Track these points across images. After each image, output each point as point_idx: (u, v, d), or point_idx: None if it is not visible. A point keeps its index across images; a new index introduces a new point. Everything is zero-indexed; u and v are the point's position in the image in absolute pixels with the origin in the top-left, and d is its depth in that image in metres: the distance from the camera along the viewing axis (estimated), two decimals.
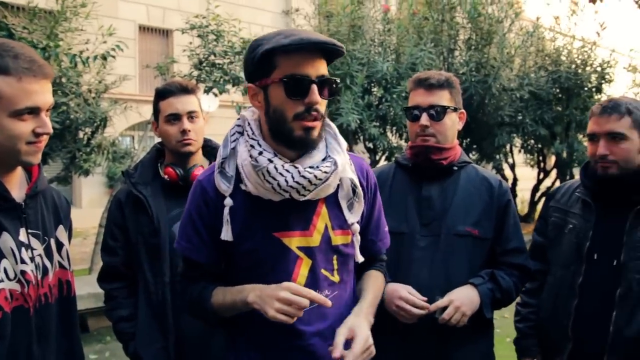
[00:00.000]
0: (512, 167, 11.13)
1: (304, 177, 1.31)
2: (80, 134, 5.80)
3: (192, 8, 10.98)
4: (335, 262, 1.43)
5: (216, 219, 1.38)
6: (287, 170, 1.31)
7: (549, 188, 11.27)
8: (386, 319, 1.80)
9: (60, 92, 5.27)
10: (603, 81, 8.77)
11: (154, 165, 2.03)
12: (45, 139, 1.36)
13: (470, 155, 8.11)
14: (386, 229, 1.61)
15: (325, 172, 1.33)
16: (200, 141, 1.99)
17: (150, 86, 12.44)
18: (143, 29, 13.12)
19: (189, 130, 1.92)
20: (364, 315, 1.40)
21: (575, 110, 8.56)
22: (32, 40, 4.78)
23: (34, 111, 1.31)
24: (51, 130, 1.36)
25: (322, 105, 1.33)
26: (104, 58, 5.41)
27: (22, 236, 1.35)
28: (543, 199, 11.64)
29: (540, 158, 11.18)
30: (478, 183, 1.93)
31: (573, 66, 8.55)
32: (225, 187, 1.37)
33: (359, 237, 1.46)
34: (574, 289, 1.90)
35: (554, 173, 10.80)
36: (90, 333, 4.84)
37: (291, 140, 1.33)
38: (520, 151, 10.61)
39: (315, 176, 1.32)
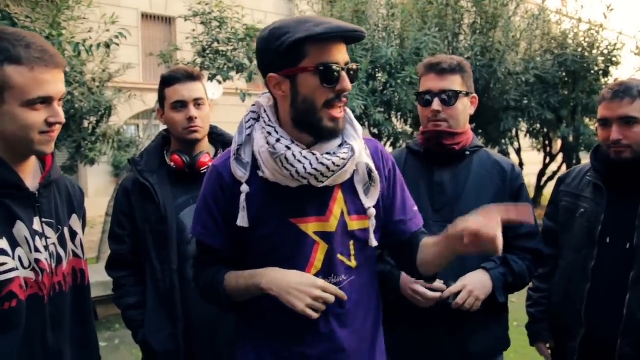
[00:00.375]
0: (518, 151, 11.08)
1: (322, 163, 1.31)
2: (85, 123, 5.82)
3: None
4: (352, 247, 1.44)
5: (232, 204, 1.39)
6: (305, 157, 1.31)
7: (555, 172, 11.23)
8: (400, 306, 1.81)
9: (65, 81, 5.27)
10: (610, 64, 8.69)
11: (160, 152, 2.02)
12: (58, 129, 1.36)
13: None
14: (415, 208, 1.58)
15: (343, 159, 1.34)
16: (207, 128, 1.98)
17: (154, 74, 12.44)
18: (146, 16, 13.07)
19: (196, 117, 1.91)
20: None
21: (581, 93, 8.50)
22: (34, 29, 4.77)
23: (47, 101, 1.31)
24: (63, 120, 1.36)
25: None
26: (108, 46, 5.39)
27: (36, 225, 1.35)
28: (550, 184, 11.64)
29: (547, 142, 11.12)
30: (490, 167, 1.91)
31: (579, 49, 8.47)
32: (241, 173, 1.37)
33: (374, 222, 1.45)
34: (586, 273, 1.89)
35: (560, 157, 10.75)
36: (99, 321, 4.88)
37: (319, 130, 1.34)
38: (526, 135, 10.56)
39: (334, 163, 1.32)
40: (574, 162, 10.24)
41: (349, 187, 1.42)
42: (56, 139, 1.43)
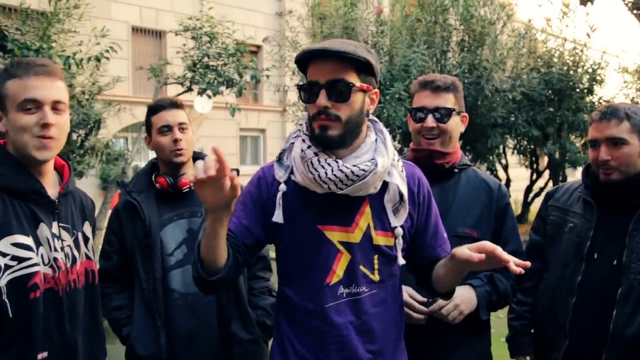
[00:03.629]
0: (506, 168, 11.18)
1: (341, 171, 1.39)
2: (74, 136, 5.79)
3: (185, 9, 10.96)
4: (376, 261, 1.48)
5: (268, 201, 1.49)
6: (329, 164, 1.40)
7: (542, 189, 11.34)
8: None
9: None
10: (594, 82, 8.84)
11: (149, 176, 2.17)
12: (52, 134, 1.49)
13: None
14: (445, 235, 1.64)
15: (363, 170, 1.40)
16: (191, 151, 2.14)
17: (143, 88, 12.42)
18: (136, 30, 13.08)
19: (180, 140, 2.07)
20: None
21: (567, 111, 8.62)
22: (24, 41, 4.77)
23: (37, 105, 1.47)
24: (49, 120, 1.48)
25: (336, 108, 1.40)
26: (98, 60, 5.39)
27: (54, 228, 1.55)
28: (536, 200, 11.74)
29: (533, 159, 11.24)
30: (477, 185, 1.95)
31: (565, 68, 8.61)
32: (281, 174, 1.49)
33: (401, 241, 1.50)
34: (572, 287, 1.92)
35: (546, 174, 10.86)
36: None
37: (313, 138, 1.44)
38: (513, 152, 10.66)
39: (352, 172, 1.39)
40: (560, 178, 10.35)
41: (378, 203, 1.48)
42: None
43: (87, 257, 1.67)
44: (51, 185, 1.59)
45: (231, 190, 1.25)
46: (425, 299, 1.79)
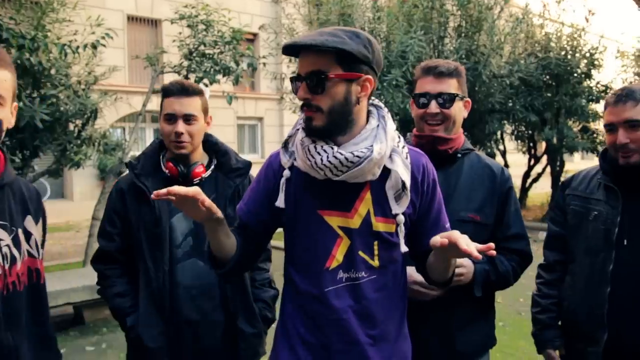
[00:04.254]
0: (504, 153, 11.19)
1: (335, 157, 1.40)
2: (71, 126, 5.76)
3: None
4: (375, 247, 1.50)
5: (274, 187, 1.54)
6: (325, 150, 1.42)
7: (539, 174, 11.35)
8: None
9: (50, 84, 5.22)
10: (592, 67, 8.82)
11: (157, 157, 2.07)
12: None
13: None
14: (447, 225, 1.63)
15: (357, 156, 1.41)
16: (196, 142, 2.02)
17: (140, 77, 12.37)
18: (131, 19, 13.00)
19: (182, 133, 1.96)
20: None
21: (564, 96, 8.62)
22: (19, 31, 4.73)
23: None
24: None
25: (317, 100, 1.42)
26: (94, 47, 5.36)
27: None
28: (534, 185, 11.75)
29: (531, 144, 11.25)
30: (480, 170, 1.95)
31: (562, 52, 8.59)
32: (285, 159, 1.52)
33: (403, 228, 1.51)
34: (605, 276, 1.89)
35: (544, 159, 10.88)
36: (86, 325, 4.83)
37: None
38: (511, 138, 10.67)
39: (346, 158, 1.40)
40: (558, 163, 10.37)
41: (379, 190, 1.49)
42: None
43: (30, 254, 1.53)
44: None
45: (207, 210, 1.37)
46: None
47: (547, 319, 2.12)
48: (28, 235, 1.53)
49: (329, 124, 1.42)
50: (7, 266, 1.43)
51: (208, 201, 1.36)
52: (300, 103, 1.46)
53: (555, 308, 2.10)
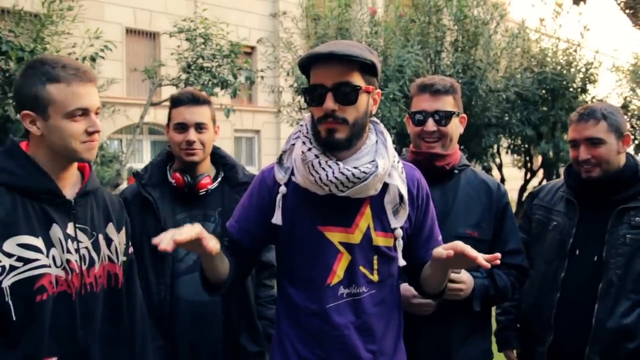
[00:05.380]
0: (500, 167, 11.21)
1: (342, 173, 1.39)
2: None
3: (179, 11, 10.94)
4: (375, 261, 1.50)
5: (269, 204, 1.50)
6: (330, 166, 1.41)
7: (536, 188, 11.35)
8: None
9: None
10: (588, 82, 8.88)
11: (164, 168, 2.07)
12: (97, 137, 1.55)
13: None
14: (439, 238, 1.64)
15: (364, 172, 1.40)
16: (207, 151, 2.04)
17: (137, 89, 12.38)
18: (130, 31, 13.04)
19: (194, 141, 1.97)
20: None
21: (560, 110, 8.65)
22: (18, 43, 4.75)
23: (84, 112, 1.50)
24: (100, 129, 1.54)
25: (343, 111, 1.40)
26: (93, 60, 5.38)
27: (70, 229, 1.53)
28: None
29: (527, 158, 11.27)
30: (477, 186, 1.97)
31: (558, 67, 8.64)
32: (281, 175, 1.50)
33: (401, 242, 1.51)
34: (557, 283, 2.01)
35: (540, 173, 10.89)
36: None
37: (319, 141, 1.43)
38: (507, 152, 10.69)
39: (353, 174, 1.40)
40: (554, 177, 10.38)
41: (378, 204, 1.49)
42: None
43: (110, 259, 1.62)
44: (70, 185, 1.58)
45: (209, 246, 1.36)
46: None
47: (506, 321, 2.25)
48: (109, 241, 1.64)
49: (352, 136, 1.42)
50: (84, 267, 1.53)
51: (210, 241, 1.33)
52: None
53: (514, 311, 2.24)
